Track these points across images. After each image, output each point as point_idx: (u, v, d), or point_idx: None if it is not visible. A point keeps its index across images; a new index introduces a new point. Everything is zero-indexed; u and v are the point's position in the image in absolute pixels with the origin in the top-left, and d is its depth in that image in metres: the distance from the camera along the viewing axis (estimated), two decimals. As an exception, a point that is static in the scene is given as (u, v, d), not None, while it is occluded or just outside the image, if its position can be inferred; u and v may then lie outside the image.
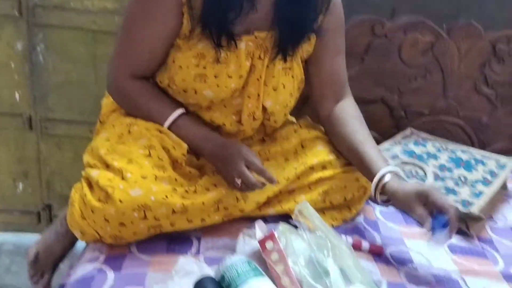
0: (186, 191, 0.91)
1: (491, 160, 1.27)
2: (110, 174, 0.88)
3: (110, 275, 0.86)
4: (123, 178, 0.87)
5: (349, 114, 1.07)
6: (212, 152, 0.97)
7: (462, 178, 1.19)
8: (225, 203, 0.95)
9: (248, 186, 0.92)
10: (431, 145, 1.35)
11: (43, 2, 1.37)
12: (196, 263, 0.84)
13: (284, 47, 0.99)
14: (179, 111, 0.99)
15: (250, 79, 1.00)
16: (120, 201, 0.85)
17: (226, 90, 0.98)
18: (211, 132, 1.00)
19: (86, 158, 0.97)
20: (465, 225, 1.07)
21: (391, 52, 1.39)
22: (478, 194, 1.14)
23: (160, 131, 0.97)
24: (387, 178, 0.94)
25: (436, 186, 1.16)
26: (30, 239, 1.10)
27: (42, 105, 1.49)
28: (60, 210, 1.17)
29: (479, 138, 1.51)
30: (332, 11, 1.02)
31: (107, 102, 1.10)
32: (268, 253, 0.82)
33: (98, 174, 0.89)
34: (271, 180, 0.93)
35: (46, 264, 1.06)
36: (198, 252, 0.93)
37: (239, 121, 1.03)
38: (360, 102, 1.44)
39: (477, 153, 1.32)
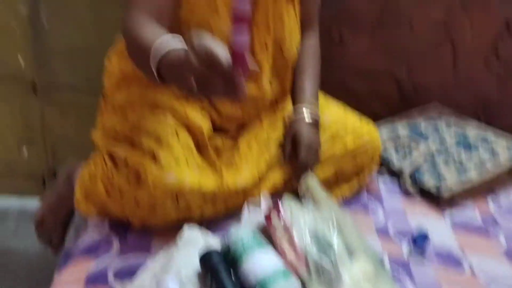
0: (216, 177, 0.88)
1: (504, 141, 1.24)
2: (139, 153, 0.84)
3: (116, 242, 0.87)
4: (154, 160, 0.83)
5: (306, 44, 1.09)
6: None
7: (457, 158, 1.18)
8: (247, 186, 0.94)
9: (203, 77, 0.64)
10: (444, 121, 1.33)
11: (46, -35, 1.34)
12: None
13: None
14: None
15: (258, 8, 0.94)
16: (154, 186, 0.82)
17: None
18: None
19: (99, 137, 0.93)
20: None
21: (402, 24, 1.36)
22: (463, 180, 1.12)
23: (186, 112, 0.91)
24: (305, 113, 1.01)
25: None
26: (35, 204, 1.11)
27: (46, 71, 1.48)
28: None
29: (486, 115, 1.49)
30: None
31: (110, 73, 1.03)
32: (274, 227, 0.82)
33: (125, 152, 0.85)
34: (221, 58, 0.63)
35: (54, 227, 1.06)
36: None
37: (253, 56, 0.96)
38: (369, 75, 1.43)
39: (492, 133, 1.29)
